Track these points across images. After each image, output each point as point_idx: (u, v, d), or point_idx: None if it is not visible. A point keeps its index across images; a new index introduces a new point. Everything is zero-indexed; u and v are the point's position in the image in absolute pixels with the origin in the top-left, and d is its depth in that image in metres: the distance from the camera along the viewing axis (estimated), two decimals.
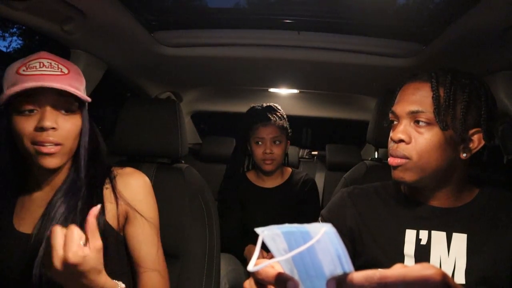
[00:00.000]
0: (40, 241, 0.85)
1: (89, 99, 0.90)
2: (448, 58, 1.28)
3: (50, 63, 0.85)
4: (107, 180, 0.96)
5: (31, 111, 0.83)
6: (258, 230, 0.38)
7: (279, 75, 1.87)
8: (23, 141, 0.84)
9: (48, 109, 0.84)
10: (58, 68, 0.86)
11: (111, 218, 0.94)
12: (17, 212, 0.93)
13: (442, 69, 0.85)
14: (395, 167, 0.85)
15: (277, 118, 1.80)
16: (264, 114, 1.79)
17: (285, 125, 1.83)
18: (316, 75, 1.80)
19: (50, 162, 0.86)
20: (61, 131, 0.85)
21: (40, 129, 0.83)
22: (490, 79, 1.25)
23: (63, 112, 0.86)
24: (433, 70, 0.85)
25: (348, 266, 0.36)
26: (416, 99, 0.83)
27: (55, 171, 0.91)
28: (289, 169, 1.96)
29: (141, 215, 0.97)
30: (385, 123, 0.93)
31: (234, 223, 1.83)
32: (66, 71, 0.87)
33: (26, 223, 0.91)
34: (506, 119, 1.25)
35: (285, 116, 1.87)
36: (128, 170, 1.02)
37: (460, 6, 1.01)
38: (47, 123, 0.83)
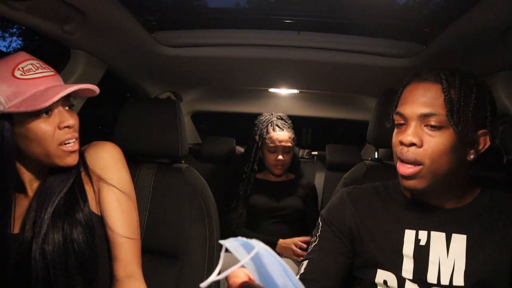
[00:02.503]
0: (28, 239, 0.87)
1: (98, 91, 0.94)
2: (448, 58, 1.28)
3: (39, 64, 0.87)
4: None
5: (47, 112, 0.85)
6: (221, 241, 0.42)
7: (279, 75, 1.87)
8: (47, 143, 0.85)
9: (61, 107, 0.88)
10: (48, 69, 0.88)
11: (92, 203, 0.95)
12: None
13: (447, 69, 0.84)
14: (408, 177, 0.82)
15: (287, 129, 2.01)
16: (278, 126, 2.01)
17: (293, 134, 2.04)
18: (316, 75, 1.80)
19: (75, 160, 0.91)
20: (75, 126, 0.90)
21: (66, 127, 0.87)
22: (490, 79, 1.25)
23: (67, 108, 0.90)
24: (440, 71, 0.83)
25: (296, 281, 0.40)
26: (427, 101, 0.80)
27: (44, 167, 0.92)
28: (293, 175, 2.17)
29: (115, 186, 0.97)
30: (388, 124, 0.91)
31: (238, 219, 1.97)
32: (53, 71, 0.89)
33: (12, 223, 0.90)
34: (506, 119, 1.25)
35: (291, 125, 2.07)
36: (96, 143, 1.02)
37: (460, 6, 1.01)
38: (71, 121, 0.88)
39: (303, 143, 4.43)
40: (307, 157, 3.43)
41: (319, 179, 2.69)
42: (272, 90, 2.34)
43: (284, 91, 2.38)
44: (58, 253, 0.86)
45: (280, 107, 2.29)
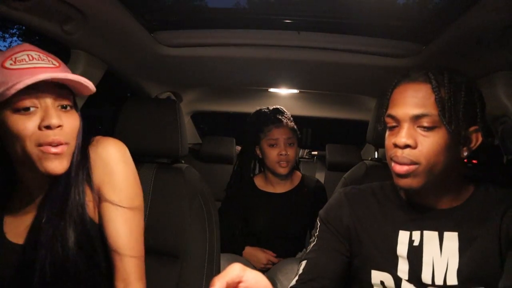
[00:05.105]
0: (33, 250, 0.81)
1: (94, 89, 0.83)
2: (448, 58, 1.28)
3: (39, 55, 0.79)
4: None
5: (30, 108, 0.75)
6: None
7: (279, 75, 1.87)
8: (24, 143, 0.75)
9: (50, 105, 0.77)
10: (49, 60, 0.80)
11: (90, 208, 0.87)
12: (6, 221, 0.88)
13: (435, 68, 0.84)
14: (403, 175, 0.82)
15: (287, 120, 1.81)
16: (276, 116, 1.80)
17: (295, 127, 1.83)
18: (316, 75, 1.80)
19: (58, 167, 0.79)
20: (65, 128, 0.79)
21: (46, 127, 0.76)
22: (490, 79, 1.25)
23: (62, 108, 0.80)
24: (428, 70, 0.83)
25: None
26: (419, 101, 0.80)
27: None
28: (299, 174, 1.95)
29: (116, 203, 0.87)
30: (380, 126, 0.91)
31: (234, 228, 1.83)
32: (56, 63, 0.81)
33: (17, 232, 0.86)
34: (506, 119, 1.25)
35: (292, 119, 1.87)
36: (98, 140, 0.90)
37: (460, 6, 1.01)
38: (54, 120, 0.76)
39: (303, 143, 4.43)
40: (307, 157, 3.43)
41: (319, 179, 2.69)
42: (272, 90, 2.35)
43: (284, 91, 2.38)
44: (57, 266, 0.81)
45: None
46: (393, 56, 1.45)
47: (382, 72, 1.58)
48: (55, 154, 0.78)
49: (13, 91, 0.71)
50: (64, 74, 0.77)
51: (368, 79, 1.74)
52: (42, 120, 0.76)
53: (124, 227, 0.87)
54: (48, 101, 0.78)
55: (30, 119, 0.75)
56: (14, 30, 11.48)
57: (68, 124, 0.80)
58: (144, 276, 0.92)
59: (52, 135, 0.76)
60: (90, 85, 0.80)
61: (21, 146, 0.76)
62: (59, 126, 0.77)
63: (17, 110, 0.75)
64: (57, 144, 0.78)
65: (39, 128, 0.76)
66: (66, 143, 0.80)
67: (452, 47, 1.19)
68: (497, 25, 0.99)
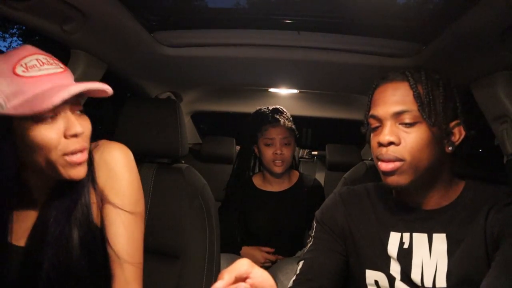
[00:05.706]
0: (35, 252, 0.81)
1: (112, 92, 0.81)
2: (448, 58, 1.28)
3: (47, 59, 0.77)
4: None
5: (50, 117, 0.74)
6: None
7: (279, 75, 1.87)
8: (50, 153, 0.75)
9: (69, 112, 0.77)
10: (56, 64, 0.78)
11: (93, 211, 0.87)
12: (9, 223, 0.86)
13: (413, 67, 0.87)
14: (389, 173, 0.83)
15: (285, 120, 1.82)
16: (273, 116, 1.82)
17: (293, 126, 1.85)
18: (316, 75, 1.80)
19: (80, 172, 0.79)
20: (84, 133, 0.80)
21: (72, 136, 0.76)
22: (489, 79, 1.25)
23: (78, 113, 0.80)
24: (406, 69, 0.86)
25: None
26: (398, 99, 0.83)
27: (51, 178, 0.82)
28: (297, 173, 1.97)
29: (120, 207, 0.87)
30: (363, 129, 0.93)
31: (233, 228, 1.83)
32: (62, 66, 0.80)
33: (17, 234, 0.86)
34: (506, 119, 1.24)
35: (291, 119, 1.88)
36: (103, 144, 0.90)
37: (460, 6, 1.01)
38: (78, 128, 0.76)
39: (303, 143, 4.43)
40: (307, 157, 3.43)
41: (319, 179, 2.69)
42: (272, 90, 2.35)
43: (284, 91, 2.38)
44: (61, 266, 0.81)
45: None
46: (393, 56, 1.45)
47: (382, 72, 1.57)
48: (80, 163, 0.78)
49: (50, 105, 0.69)
50: (94, 84, 0.76)
51: (368, 79, 1.73)
52: (67, 129, 0.76)
53: (125, 232, 0.87)
54: (67, 107, 0.77)
55: (52, 128, 0.75)
56: (14, 30, 11.48)
57: (86, 128, 0.80)
58: (142, 286, 0.91)
59: (78, 142, 0.77)
60: (109, 90, 0.80)
61: (44, 155, 0.75)
62: (82, 132, 0.78)
63: (38, 120, 0.73)
64: (83, 150, 0.79)
65: (65, 137, 0.76)
66: (87, 148, 0.81)
67: (452, 47, 1.19)
68: (497, 26, 0.99)
